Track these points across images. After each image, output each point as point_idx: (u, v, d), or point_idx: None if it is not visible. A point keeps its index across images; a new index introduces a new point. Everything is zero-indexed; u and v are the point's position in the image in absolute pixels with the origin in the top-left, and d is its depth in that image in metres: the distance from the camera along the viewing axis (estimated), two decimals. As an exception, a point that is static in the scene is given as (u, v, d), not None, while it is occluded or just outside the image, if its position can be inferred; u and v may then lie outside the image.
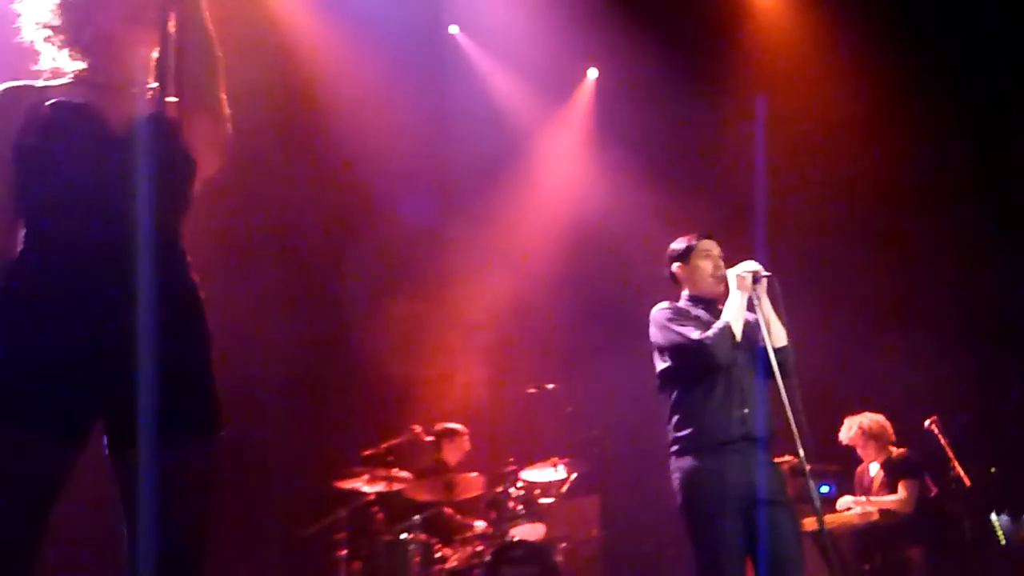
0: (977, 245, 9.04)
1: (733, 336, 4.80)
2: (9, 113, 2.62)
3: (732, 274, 4.94)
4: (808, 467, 4.52)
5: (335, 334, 9.14)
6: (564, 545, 7.87)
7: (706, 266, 5.06)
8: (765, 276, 4.91)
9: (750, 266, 4.93)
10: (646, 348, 5.09)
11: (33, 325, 2.48)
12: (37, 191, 2.59)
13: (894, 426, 7.80)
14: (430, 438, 8.32)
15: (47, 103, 2.62)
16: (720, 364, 4.78)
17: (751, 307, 4.90)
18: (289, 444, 8.73)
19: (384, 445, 7.86)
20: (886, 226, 9.63)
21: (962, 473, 7.57)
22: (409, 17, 9.17)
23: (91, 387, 2.47)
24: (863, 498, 7.66)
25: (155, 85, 2.75)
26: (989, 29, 8.89)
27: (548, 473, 8.17)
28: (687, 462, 4.79)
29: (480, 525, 7.95)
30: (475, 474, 8.03)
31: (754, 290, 4.89)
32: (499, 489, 7.91)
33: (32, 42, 2.78)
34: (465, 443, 8.46)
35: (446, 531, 7.99)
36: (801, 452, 4.47)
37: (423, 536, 7.61)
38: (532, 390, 8.67)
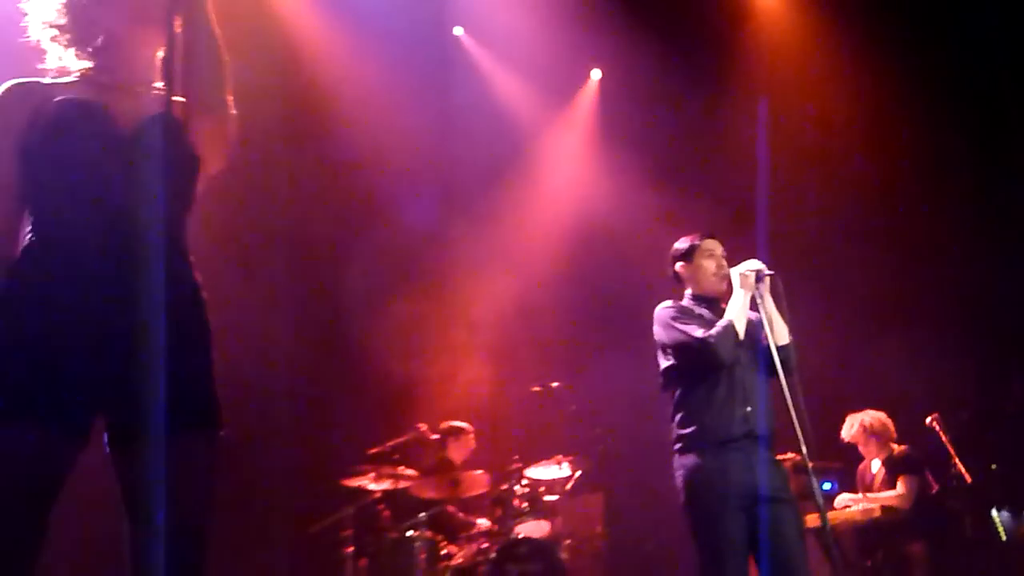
0: (978, 244, 9.03)
1: (736, 334, 4.79)
2: (15, 110, 2.61)
3: (735, 273, 4.94)
4: (810, 464, 4.50)
5: (341, 333, 9.13)
6: (568, 542, 7.87)
7: (709, 265, 5.05)
8: (768, 275, 4.91)
9: (753, 265, 4.92)
10: (650, 346, 5.08)
11: (35, 322, 2.47)
12: (42, 188, 2.58)
13: (895, 423, 7.78)
14: (436, 436, 8.33)
15: (53, 101, 2.62)
16: (723, 362, 4.77)
17: (754, 305, 4.89)
18: (296, 442, 8.73)
19: (390, 443, 7.86)
20: (887, 225, 9.62)
21: (963, 470, 7.55)
22: (414, 19, 9.17)
23: (92, 384, 2.46)
24: (860, 495, 7.65)
25: (161, 85, 2.74)
26: (990, 30, 8.87)
27: (552, 471, 8.18)
28: (690, 460, 4.78)
29: (483, 523, 7.94)
30: (480, 472, 8.03)
31: (757, 289, 4.88)
32: (504, 487, 7.92)
33: (39, 41, 2.77)
34: (470, 441, 8.46)
35: (451, 528, 7.98)
36: (804, 449, 4.46)
37: (429, 533, 7.61)
38: (536, 388, 8.67)
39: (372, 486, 7.78)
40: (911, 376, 8.64)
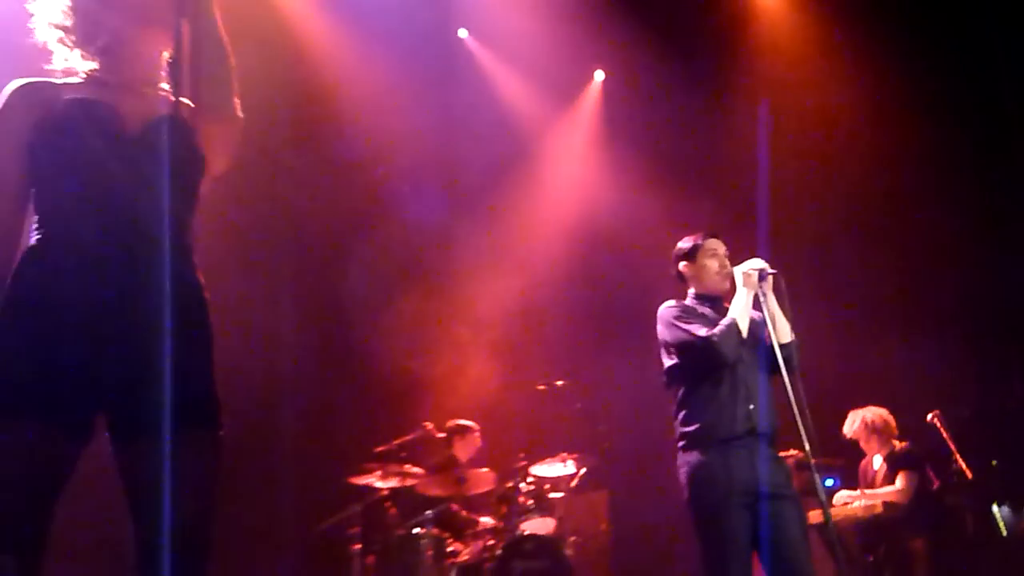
0: (979, 243, 9.01)
1: (739, 333, 4.79)
2: (23, 109, 2.62)
3: (738, 272, 4.94)
4: (813, 461, 4.49)
5: (348, 333, 9.13)
6: (574, 539, 7.87)
7: (712, 264, 5.05)
8: (771, 273, 4.90)
9: (756, 263, 4.93)
10: (653, 345, 5.09)
11: (38, 320, 2.47)
12: (48, 187, 2.59)
13: (897, 420, 7.77)
14: (442, 435, 8.32)
15: (60, 100, 2.62)
16: (727, 360, 4.76)
17: (757, 304, 4.89)
18: (304, 441, 8.73)
19: (397, 442, 7.85)
20: (889, 224, 9.61)
21: (964, 466, 7.55)
22: (419, 21, 9.16)
23: (95, 382, 2.46)
24: (858, 491, 7.64)
25: (167, 86, 2.74)
26: (991, 32, 8.85)
27: (557, 468, 8.18)
28: (694, 457, 4.77)
29: (486, 521, 7.94)
30: (486, 470, 8.04)
31: (760, 287, 4.88)
32: (510, 484, 7.92)
33: (45, 42, 2.77)
34: (476, 439, 8.46)
35: (457, 526, 7.99)
36: (807, 446, 4.45)
37: (435, 531, 7.62)
38: (541, 387, 8.67)
39: (379, 484, 7.79)
40: (912, 373, 8.64)
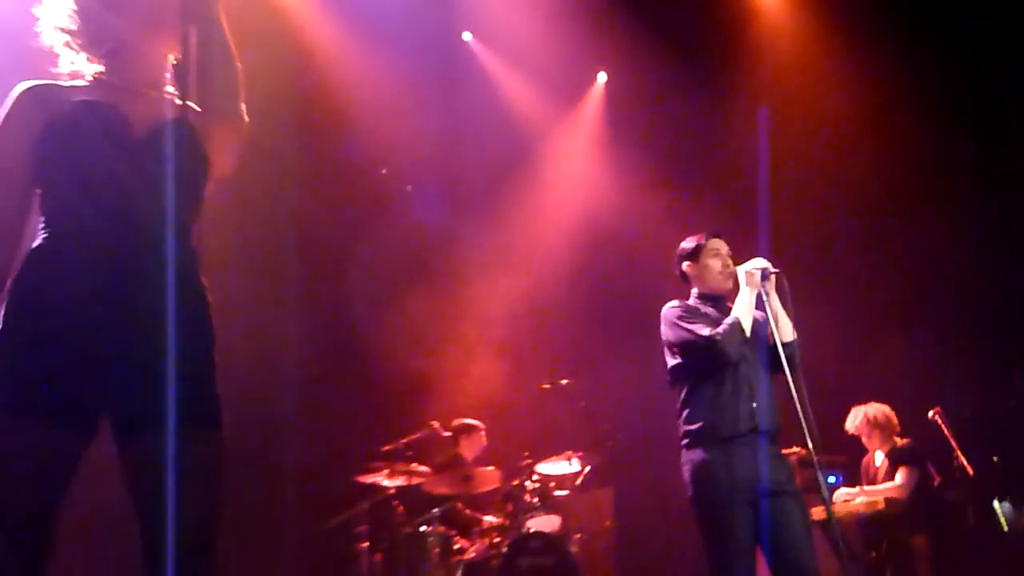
0: (979, 242, 9.00)
1: (743, 331, 4.79)
2: (31, 111, 2.62)
3: (741, 271, 4.94)
4: (816, 458, 4.48)
5: (355, 333, 9.13)
6: (579, 536, 7.87)
7: (715, 264, 5.04)
8: (773, 272, 4.90)
9: (759, 263, 4.92)
10: (656, 344, 5.08)
11: (43, 320, 2.47)
12: (54, 188, 2.59)
13: (898, 418, 7.76)
14: (448, 433, 8.33)
15: (68, 103, 2.62)
16: (730, 359, 4.76)
17: (759, 303, 4.88)
18: (312, 440, 8.72)
19: (403, 441, 7.86)
20: (890, 224, 9.61)
21: (965, 462, 7.54)
22: (424, 24, 9.18)
23: (98, 383, 2.46)
24: (856, 488, 7.64)
25: (172, 89, 2.74)
26: (991, 33, 8.84)
27: (563, 466, 8.19)
28: (697, 454, 4.77)
29: (489, 519, 7.94)
30: (492, 468, 8.04)
31: (762, 286, 4.87)
32: (515, 482, 7.92)
33: (52, 46, 2.77)
34: (482, 438, 8.46)
35: (463, 524, 7.99)
36: (810, 444, 4.44)
37: (442, 528, 7.62)
38: (546, 386, 8.66)
39: (386, 482, 7.80)
40: (914, 371, 8.63)
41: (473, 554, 7.55)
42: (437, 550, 7.49)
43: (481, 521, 7.98)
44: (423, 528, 7.57)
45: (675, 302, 5.05)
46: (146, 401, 2.42)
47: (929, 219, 9.13)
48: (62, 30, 2.75)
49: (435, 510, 7.63)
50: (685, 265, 5.15)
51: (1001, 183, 8.97)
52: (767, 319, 4.84)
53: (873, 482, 7.71)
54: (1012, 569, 7.34)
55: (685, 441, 4.84)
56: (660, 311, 5.03)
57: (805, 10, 9.94)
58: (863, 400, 7.86)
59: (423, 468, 7.84)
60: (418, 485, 7.80)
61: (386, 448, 7.86)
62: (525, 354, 9.69)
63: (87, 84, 2.73)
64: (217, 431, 2.58)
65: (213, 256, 2.69)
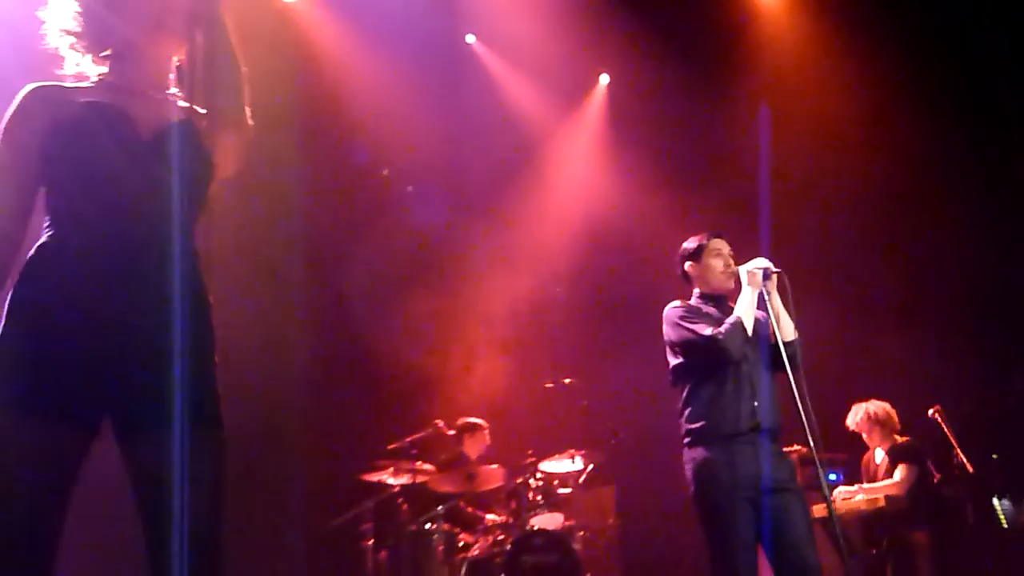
0: (979, 242, 8.99)
1: (745, 330, 4.79)
2: (37, 112, 2.61)
3: (743, 271, 4.94)
4: (817, 456, 4.48)
5: (360, 334, 9.13)
6: (582, 533, 7.85)
7: (717, 264, 5.04)
8: (775, 272, 4.89)
9: (760, 263, 4.92)
10: (659, 343, 5.08)
11: (47, 320, 2.46)
12: (60, 189, 2.58)
13: (899, 416, 7.76)
14: (452, 432, 8.33)
15: (74, 104, 2.62)
16: (732, 358, 4.76)
17: (761, 303, 4.88)
18: (317, 439, 8.72)
19: (408, 439, 7.85)
20: (890, 223, 9.60)
21: (964, 460, 7.53)
22: (428, 28, 9.17)
23: (101, 383, 2.45)
24: (855, 487, 7.63)
25: (176, 91, 2.74)
26: (990, 34, 8.83)
27: (566, 464, 8.18)
28: (699, 453, 4.77)
29: (493, 517, 7.94)
30: (496, 466, 8.03)
31: (764, 286, 4.87)
32: (519, 480, 7.92)
33: (57, 48, 2.77)
34: (486, 437, 8.46)
35: (466, 522, 7.99)
36: (811, 442, 4.43)
37: (446, 526, 7.62)
38: (549, 385, 8.66)
39: (391, 480, 7.81)
40: (914, 370, 8.62)
41: (477, 551, 7.55)
42: (441, 547, 7.50)
43: (485, 519, 7.98)
44: (428, 526, 7.58)
45: (677, 302, 5.05)
46: (149, 401, 2.42)
47: (929, 218, 9.12)
48: (66, 32, 2.75)
49: (439, 508, 7.64)
50: (687, 265, 5.15)
51: (1001, 183, 8.96)
52: (768, 318, 4.84)
53: (874, 479, 7.71)
54: (1012, 566, 7.34)
55: (687, 439, 4.84)
56: (662, 311, 5.03)
57: (806, 11, 9.94)
58: (864, 398, 7.86)
59: (428, 466, 7.85)
60: (423, 483, 7.80)
61: (391, 447, 7.86)
62: (528, 353, 9.69)
63: (92, 86, 2.73)
64: (219, 430, 2.57)
65: (219, 258, 2.69)
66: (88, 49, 2.75)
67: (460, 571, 7.44)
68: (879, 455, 7.78)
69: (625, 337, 8.89)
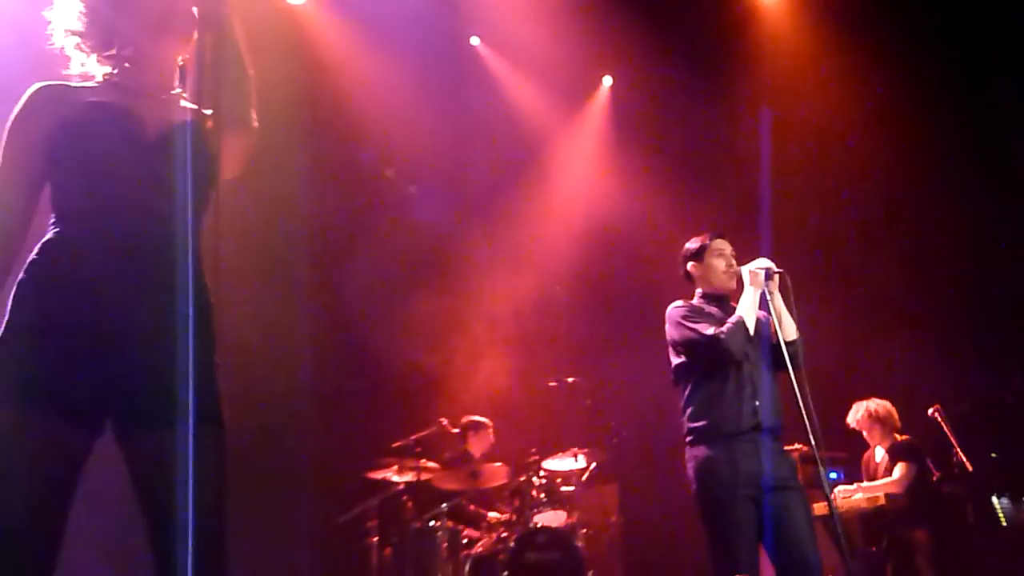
0: (979, 242, 8.98)
1: (747, 330, 4.78)
2: (43, 111, 2.61)
3: (745, 271, 4.93)
4: (818, 455, 4.47)
5: (365, 332, 9.12)
6: (585, 531, 7.86)
7: (719, 264, 5.03)
8: (777, 272, 4.89)
9: (762, 263, 4.91)
10: (661, 342, 5.07)
11: (50, 318, 2.45)
12: (65, 188, 2.58)
13: (899, 415, 7.75)
14: (456, 430, 8.33)
15: (80, 103, 2.62)
16: (734, 358, 4.76)
17: (763, 303, 4.87)
18: (322, 437, 8.72)
19: (413, 437, 7.85)
20: (890, 224, 9.58)
21: (964, 458, 7.53)
22: (432, 30, 9.17)
23: (103, 381, 2.44)
24: (854, 486, 7.63)
25: (182, 92, 2.73)
26: (990, 35, 8.82)
27: (569, 463, 8.18)
28: (701, 451, 4.76)
29: (496, 515, 7.94)
30: (499, 464, 8.03)
31: (766, 286, 4.86)
32: (522, 478, 7.91)
33: (62, 48, 2.77)
34: (489, 435, 8.47)
35: (471, 519, 7.99)
36: (813, 441, 4.42)
37: (450, 523, 7.63)
38: (553, 384, 8.64)
39: (395, 478, 7.81)
40: (914, 369, 8.60)
41: (481, 548, 7.56)
42: (445, 544, 7.50)
43: (488, 516, 7.98)
44: (432, 523, 7.57)
45: (679, 302, 5.04)
46: (151, 399, 2.42)
47: (929, 218, 9.10)
48: (72, 32, 2.74)
49: (444, 505, 7.65)
50: (689, 265, 5.14)
51: (1001, 183, 8.94)
52: (770, 318, 4.83)
53: (874, 478, 7.70)
54: (1011, 564, 7.32)
55: (689, 438, 4.84)
56: (664, 311, 5.02)
57: (807, 12, 9.93)
58: (864, 397, 7.85)
59: (432, 464, 7.85)
60: (427, 481, 7.81)
61: (395, 444, 7.86)
62: (532, 352, 9.68)
63: (97, 85, 2.72)
64: (219, 429, 2.56)
65: (223, 257, 2.67)
66: (93, 49, 2.74)
67: (464, 568, 7.44)
68: (879, 453, 7.78)
69: (628, 336, 8.88)
